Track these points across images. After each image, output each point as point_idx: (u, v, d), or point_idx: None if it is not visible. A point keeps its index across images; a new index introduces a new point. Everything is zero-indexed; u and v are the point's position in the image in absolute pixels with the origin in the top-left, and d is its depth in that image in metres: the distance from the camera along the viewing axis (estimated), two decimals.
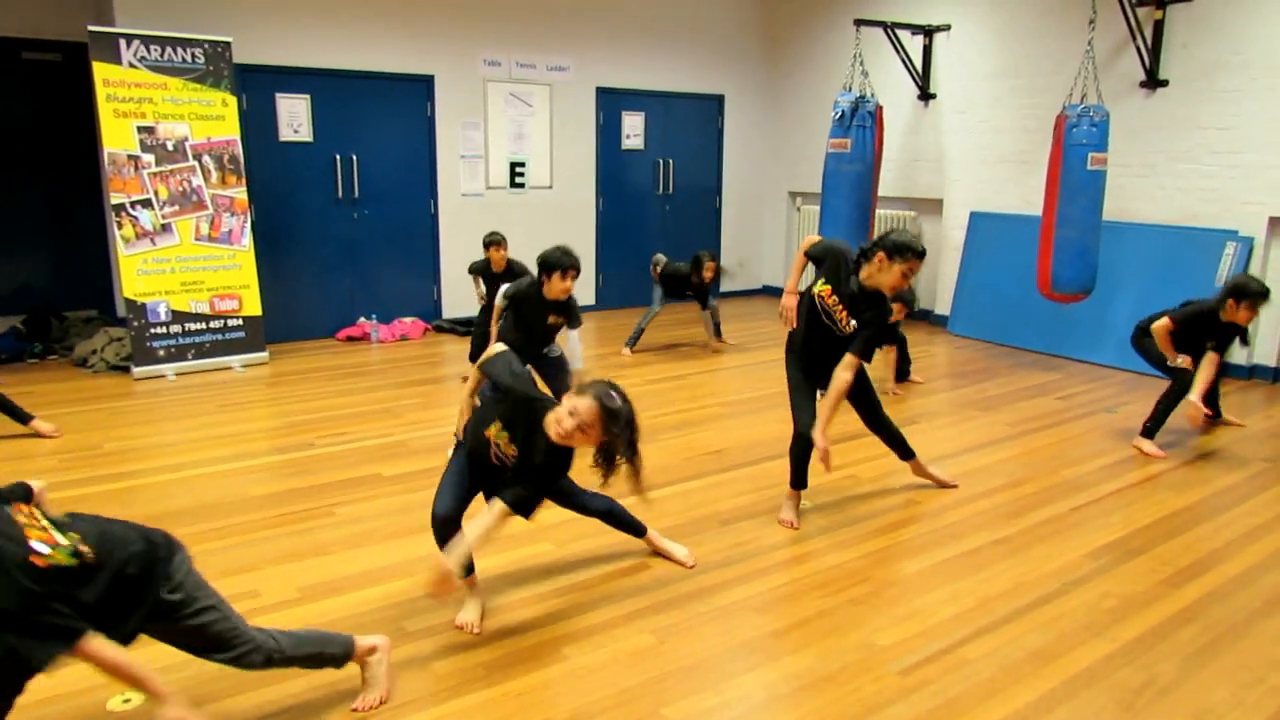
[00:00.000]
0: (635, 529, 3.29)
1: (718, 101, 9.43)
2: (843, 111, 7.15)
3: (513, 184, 8.22)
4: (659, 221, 9.19)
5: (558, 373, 4.49)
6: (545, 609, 2.93)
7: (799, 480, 3.67)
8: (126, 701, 2.42)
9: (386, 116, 7.52)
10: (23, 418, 4.68)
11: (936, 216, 8.09)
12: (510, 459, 2.63)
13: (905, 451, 3.96)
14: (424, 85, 7.66)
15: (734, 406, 5.48)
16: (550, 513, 3.67)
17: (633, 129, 8.93)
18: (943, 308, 8.03)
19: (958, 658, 2.67)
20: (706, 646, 2.73)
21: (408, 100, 7.61)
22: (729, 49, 9.34)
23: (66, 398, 5.44)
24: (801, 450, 3.60)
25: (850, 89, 7.26)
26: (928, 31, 7.87)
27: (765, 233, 9.99)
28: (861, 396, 3.76)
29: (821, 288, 3.51)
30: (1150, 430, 4.62)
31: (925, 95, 8.01)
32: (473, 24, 7.79)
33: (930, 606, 2.97)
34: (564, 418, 2.45)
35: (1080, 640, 2.78)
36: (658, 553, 3.33)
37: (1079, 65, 6.12)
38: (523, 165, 8.28)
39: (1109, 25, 6.33)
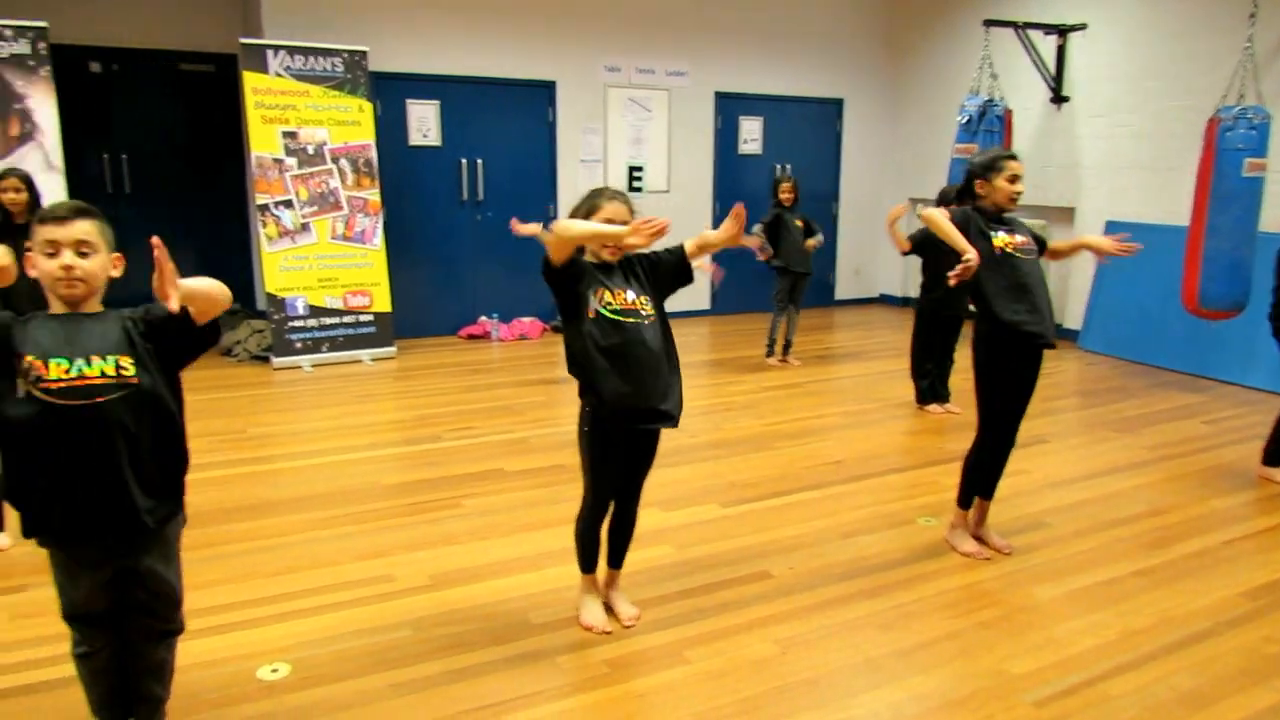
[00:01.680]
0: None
1: (836, 105, 9.30)
2: (969, 116, 6.95)
3: (630, 188, 8.30)
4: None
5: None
6: (666, 612, 2.94)
7: (968, 497, 3.44)
8: (275, 671, 2.55)
9: (510, 121, 7.72)
10: None
11: (1068, 225, 7.76)
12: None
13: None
14: (546, 91, 7.82)
15: (853, 416, 5.38)
16: (672, 515, 3.71)
17: (750, 133, 8.89)
18: (1073, 322, 7.69)
19: (1099, 693, 2.55)
20: (829, 660, 2.69)
21: (530, 105, 7.79)
22: (849, 52, 9.20)
23: (212, 384, 5.79)
24: (993, 459, 3.38)
25: (978, 92, 7.05)
26: (1062, 31, 7.56)
27: (883, 240, 9.75)
28: None
29: (1004, 241, 3.18)
30: (1274, 455, 4.26)
31: (1058, 98, 7.70)
32: (594, 31, 7.91)
33: (1067, 636, 2.85)
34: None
35: (1238, 686, 2.60)
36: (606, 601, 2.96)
37: (1235, 63, 5.77)
38: (640, 169, 8.35)
39: (1272, 19, 5.94)
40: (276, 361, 6.32)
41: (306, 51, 6.31)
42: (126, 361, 1.87)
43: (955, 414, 5.31)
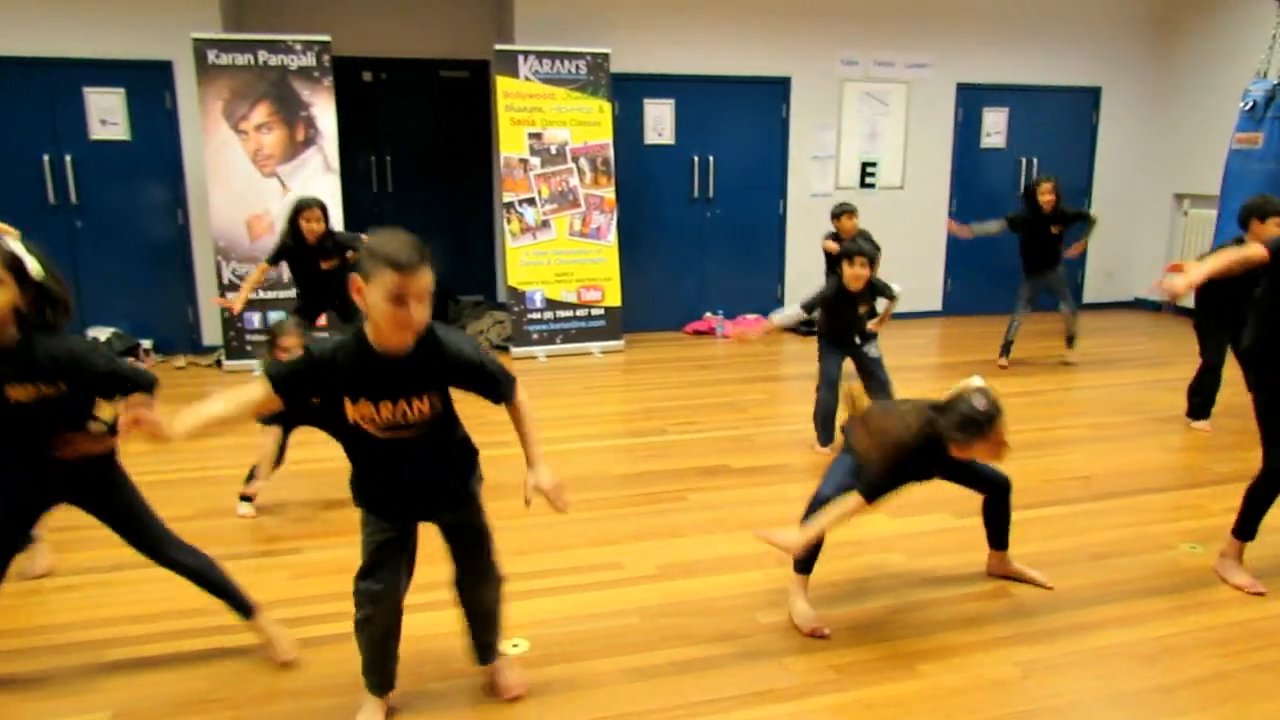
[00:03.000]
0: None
1: (1093, 94, 8.58)
2: (1254, 102, 6.19)
3: (863, 184, 8.10)
4: None
5: (875, 373, 4.41)
6: (899, 622, 2.85)
7: (1250, 528, 3.08)
8: (515, 646, 2.71)
9: (742, 118, 7.74)
10: None
11: None
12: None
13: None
14: (780, 87, 7.77)
15: (1102, 429, 4.97)
16: (900, 523, 3.59)
17: (994, 126, 8.41)
18: None
19: None
20: (1078, 690, 2.50)
21: (764, 102, 7.77)
22: (1109, 36, 8.46)
23: None
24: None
25: (1265, 74, 6.27)
26: None
27: (1140, 239, 8.93)
28: None
29: None
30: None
31: None
32: (831, 25, 7.76)
33: None
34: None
35: None
36: (1008, 576, 3.12)
37: None
38: (874, 165, 8.12)
39: None
40: (515, 351, 6.71)
41: (554, 55, 6.64)
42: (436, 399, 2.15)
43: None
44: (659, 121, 7.53)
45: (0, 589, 3.01)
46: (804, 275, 7.87)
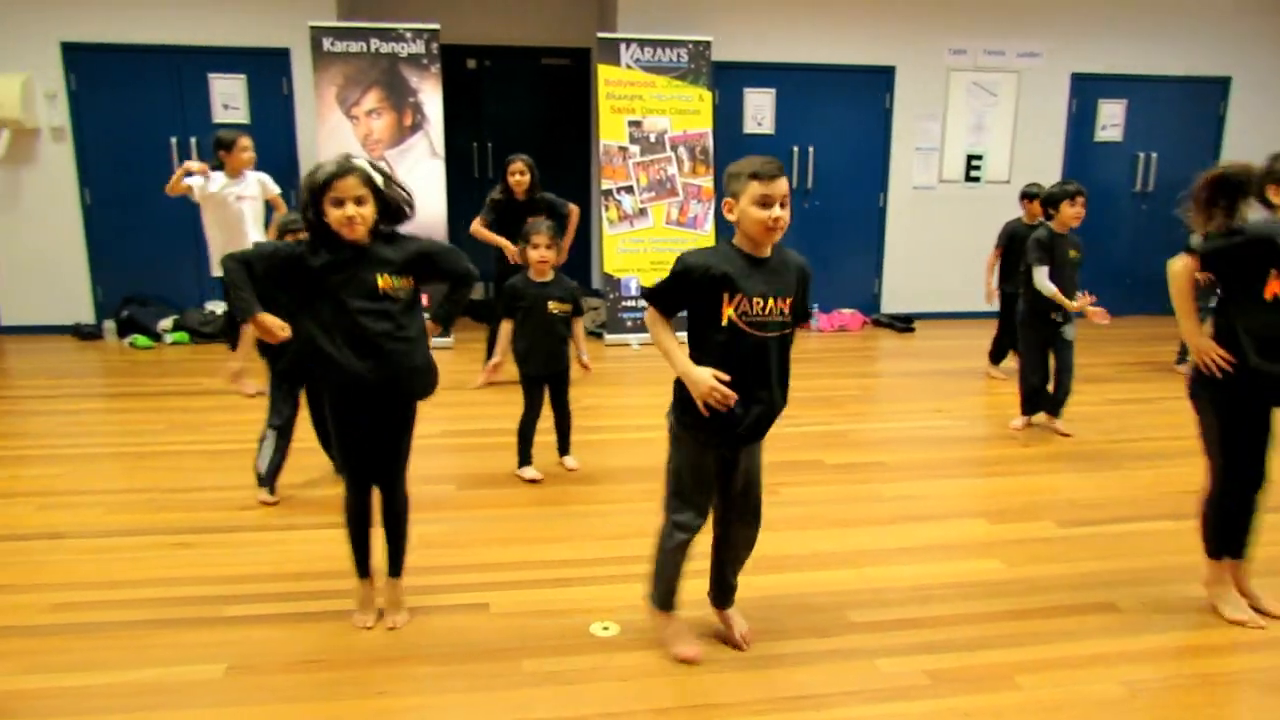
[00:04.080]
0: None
1: (1220, 85, 8.14)
2: None
3: (968, 177, 7.87)
4: (1131, 223, 8.19)
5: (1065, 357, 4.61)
6: (995, 630, 2.78)
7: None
8: (605, 629, 2.74)
9: (844, 108, 7.61)
10: None
11: None
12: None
13: None
14: (884, 77, 7.61)
15: None
16: (1001, 528, 3.50)
17: (1110, 118, 8.06)
18: None
19: None
20: (1191, 716, 2.40)
21: (866, 92, 7.62)
22: (1238, 23, 8.00)
23: None
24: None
25: None
26: None
27: None
28: None
29: None
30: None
31: None
32: (939, 13, 7.55)
33: None
34: None
35: None
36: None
37: None
38: (980, 158, 7.88)
39: None
40: (608, 338, 6.77)
41: (656, 44, 6.64)
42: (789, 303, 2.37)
43: None
44: (759, 111, 7.47)
45: (122, 543, 3.21)
46: (903, 270, 7.73)
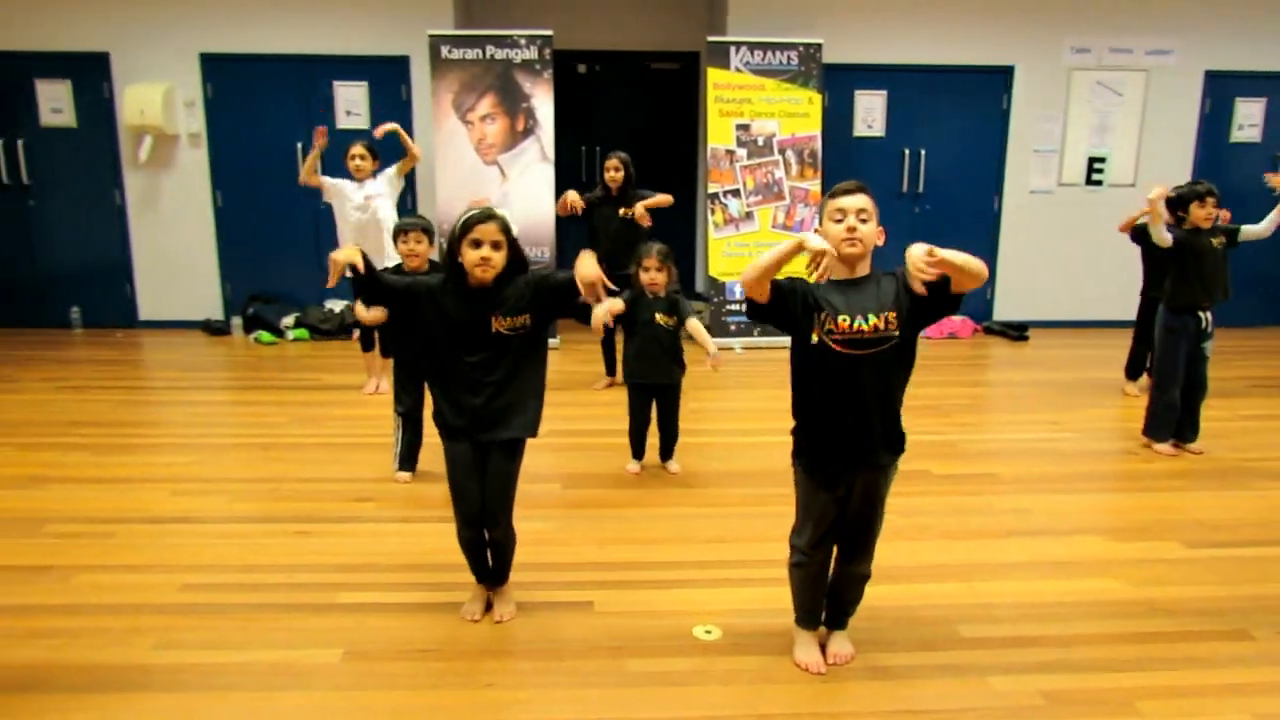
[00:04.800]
0: None
1: None
2: None
3: (1089, 181, 7.55)
4: None
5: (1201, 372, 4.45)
6: (1115, 653, 2.65)
7: None
8: (708, 633, 2.74)
9: (958, 110, 7.40)
10: None
11: None
12: None
13: None
14: (1002, 77, 7.37)
15: None
16: (1122, 547, 3.34)
17: (1248, 118, 7.60)
18: None
19: None
20: None
21: (983, 93, 7.39)
22: None
23: None
24: None
25: None
26: None
27: None
28: None
29: None
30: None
31: None
32: (1062, 11, 7.26)
33: None
34: None
35: None
36: None
37: None
38: (1103, 160, 7.55)
39: None
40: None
41: (766, 46, 6.61)
42: (892, 317, 2.29)
43: None
44: (869, 113, 7.33)
45: (247, 529, 3.37)
46: (1018, 276, 7.47)
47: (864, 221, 2.30)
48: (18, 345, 6.80)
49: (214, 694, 2.42)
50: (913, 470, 4.15)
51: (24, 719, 2.31)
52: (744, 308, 2.52)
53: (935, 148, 7.41)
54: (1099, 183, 7.55)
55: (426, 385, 3.85)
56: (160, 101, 6.81)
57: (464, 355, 2.59)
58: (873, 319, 2.27)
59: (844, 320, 2.27)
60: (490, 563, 2.81)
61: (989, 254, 7.63)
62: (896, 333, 2.30)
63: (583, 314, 2.76)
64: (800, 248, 2.19)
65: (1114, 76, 7.41)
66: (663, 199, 5.38)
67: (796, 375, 2.42)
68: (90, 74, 7.00)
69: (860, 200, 2.30)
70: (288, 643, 2.67)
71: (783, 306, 2.30)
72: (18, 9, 6.87)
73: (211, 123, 7.13)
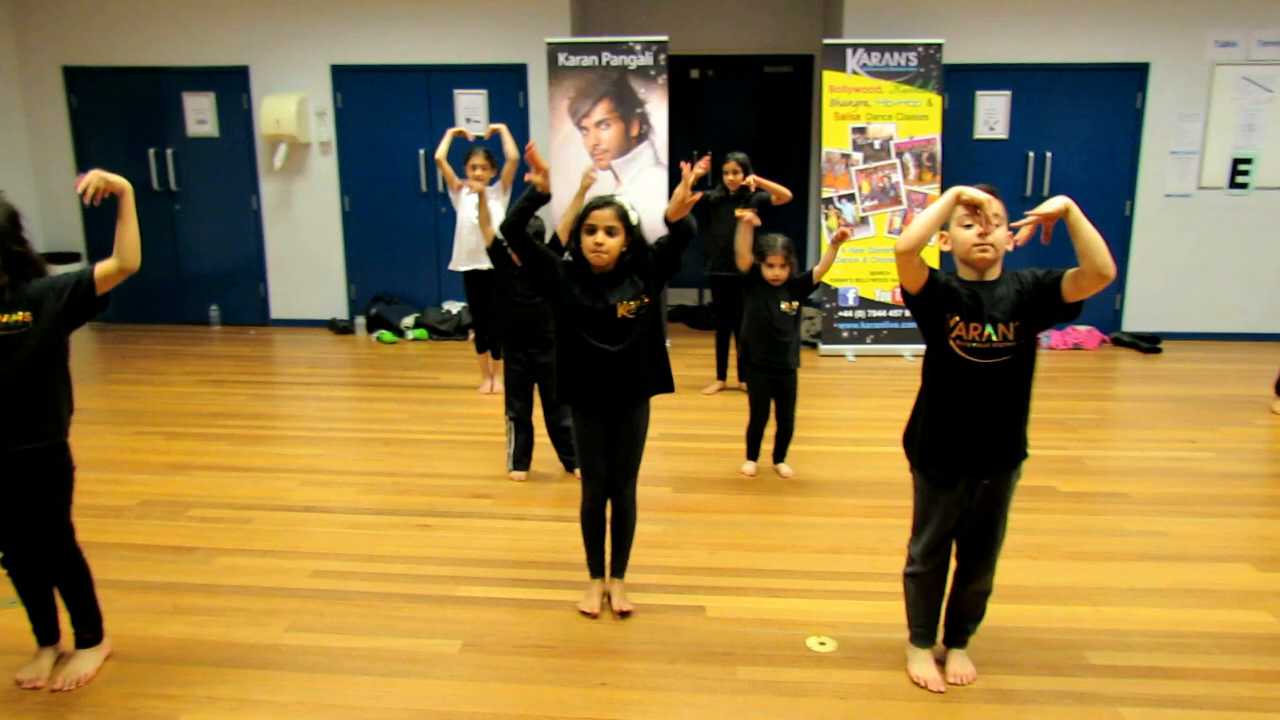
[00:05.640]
0: None
1: None
2: None
3: (1232, 184, 7.10)
4: None
5: None
6: (1262, 691, 2.48)
7: None
8: (822, 644, 2.70)
9: (1087, 110, 7.08)
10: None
11: None
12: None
13: None
14: (1136, 75, 7.01)
15: None
16: (1271, 576, 3.14)
17: None
18: None
19: None
20: None
21: (1114, 92, 7.05)
22: None
23: None
24: None
25: None
26: None
27: None
28: None
29: None
30: None
31: None
32: (1203, 3, 6.86)
33: None
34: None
35: None
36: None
37: None
38: (1249, 162, 7.09)
39: None
40: (823, 348, 6.66)
41: (884, 48, 6.48)
42: (1017, 326, 2.25)
43: None
44: (991, 114, 7.10)
45: (371, 521, 3.51)
46: (1150, 285, 7.11)
47: (995, 227, 2.25)
48: (163, 340, 7.27)
49: (343, 677, 2.53)
50: (1035, 486, 4.00)
51: (173, 688, 2.46)
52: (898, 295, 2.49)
53: (1062, 150, 7.11)
54: (1244, 186, 7.10)
55: (537, 386, 3.97)
56: (294, 111, 7.16)
57: (591, 338, 2.64)
58: (1000, 327, 2.23)
59: (974, 328, 2.24)
60: (612, 547, 2.87)
61: (1119, 261, 7.27)
62: (1020, 341, 2.26)
63: (678, 239, 2.72)
64: (958, 200, 2.20)
65: (1263, 71, 6.96)
66: (782, 189, 5.29)
67: (927, 374, 2.38)
68: (231, 87, 7.43)
69: (992, 206, 2.24)
70: (410, 631, 2.76)
71: (932, 298, 2.28)
72: (170, 29, 7.34)
73: (341, 131, 7.45)
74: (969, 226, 2.26)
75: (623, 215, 2.63)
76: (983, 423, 2.30)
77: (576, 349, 2.67)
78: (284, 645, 2.69)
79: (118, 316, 7.79)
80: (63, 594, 2.49)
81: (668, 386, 2.79)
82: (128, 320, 7.77)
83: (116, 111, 7.58)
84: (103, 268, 2.32)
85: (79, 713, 2.36)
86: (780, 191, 5.23)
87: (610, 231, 2.60)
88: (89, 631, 2.52)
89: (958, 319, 2.25)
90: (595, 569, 2.91)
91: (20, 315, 2.23)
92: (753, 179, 5.32)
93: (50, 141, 7.61)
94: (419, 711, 2.37)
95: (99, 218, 7.67)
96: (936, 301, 2.28)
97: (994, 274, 2.30)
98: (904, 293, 2.35)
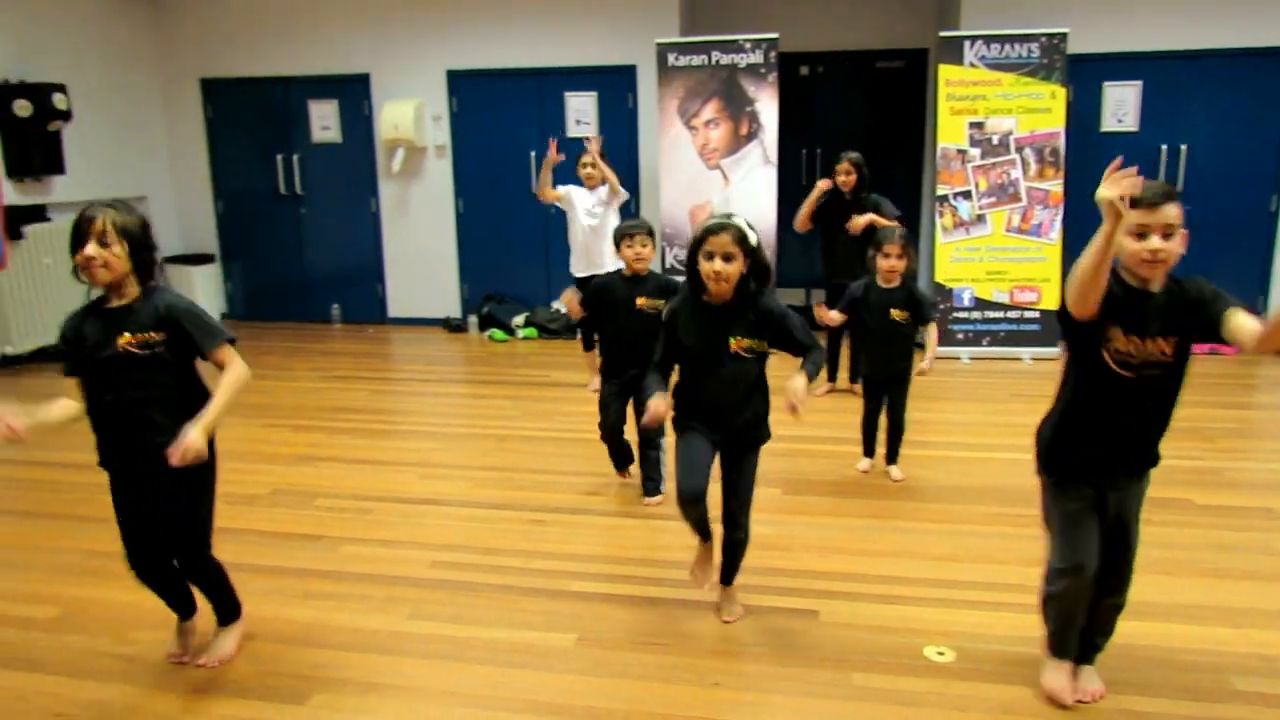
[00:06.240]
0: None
1: None
2: None
3: None
4: None
5: None
6: None
7: None
8: (940, 654, 2.63)
9: (1227, 100, 6.67)
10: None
11: None
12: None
13: None
14: None
15: None
16: None
17: None
18: None
19: None
20: None
21: (1259, 79, 6.61)
22: None
23: None
24: None
25: None
26: None
27: None
28: None
29: None
30: None
31: None
32: None
33: None
34: None
35: None
36: None
37: None
38: None
39: None
40: (937, 351, 6.48)
41: (1003, 39, 6.26)
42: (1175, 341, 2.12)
43: None
44: (1120, 106, 6.76)
45: (487, 514, 3.60)
46: None
47: (1168, 237, 2.04)
48: (288, 338, 7.62)
49: (463, 665, 2.60)
50: (1168, 498, 3.80)
51: (304, 669, 2.59)
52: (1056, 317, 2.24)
53: (1199, 142, 6.72)
54: None
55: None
56: (412, 116, 7.40)
57: (704, 375, 2.62)
58: (1160, 342, 2.09)
59: (1132, 340, 2.10)
60: (721, 561, 2.83)
61: (1264, 259, 6.84)
62: (1176, 358, 2.13)
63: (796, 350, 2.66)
64: (1117, 216, 1.93)
65: None
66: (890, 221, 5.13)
67: (1070, 382, 2.25)
68: (353, 94, 7.73)
69: (1169, 213, 2.04)
70: (526, 624, 2.82)
71: (1099, 313, 2.09)
72: (297, 41, 7.70)
73: (455, 135, 7.66)
74: (1142, 236, 2.04)
75: (740, 239, 2.50)
76: (1126, 435, 2.20)
77: (689, 380, 2.67)
78: (406, 632, 2.79)
79: (246, 314, 8.23)
80: (202, 592, 2.62)
81: (768, 435, 2.74)
82: (255, 318, 8.19)
83: (248, 119, 7.99)
84: (215, 358, 2.37)
85: (222, 689, 2.50)
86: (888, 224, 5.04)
87: (728, 258, 2.49)
88: (228, 617, 2.66)
89: (1118, 330, 2.09)
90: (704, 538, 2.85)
91: (154, 335, 2.30)
92: (859, 222, 5.14)
93: (188, 148, 8.07)
94: (537, 703, 2.42)
95: (233, 222, 8.12)
96: (1100, 315, 2.11)
97: (1158, 283, 2.12)
98: (1063, 310, 2.15)
